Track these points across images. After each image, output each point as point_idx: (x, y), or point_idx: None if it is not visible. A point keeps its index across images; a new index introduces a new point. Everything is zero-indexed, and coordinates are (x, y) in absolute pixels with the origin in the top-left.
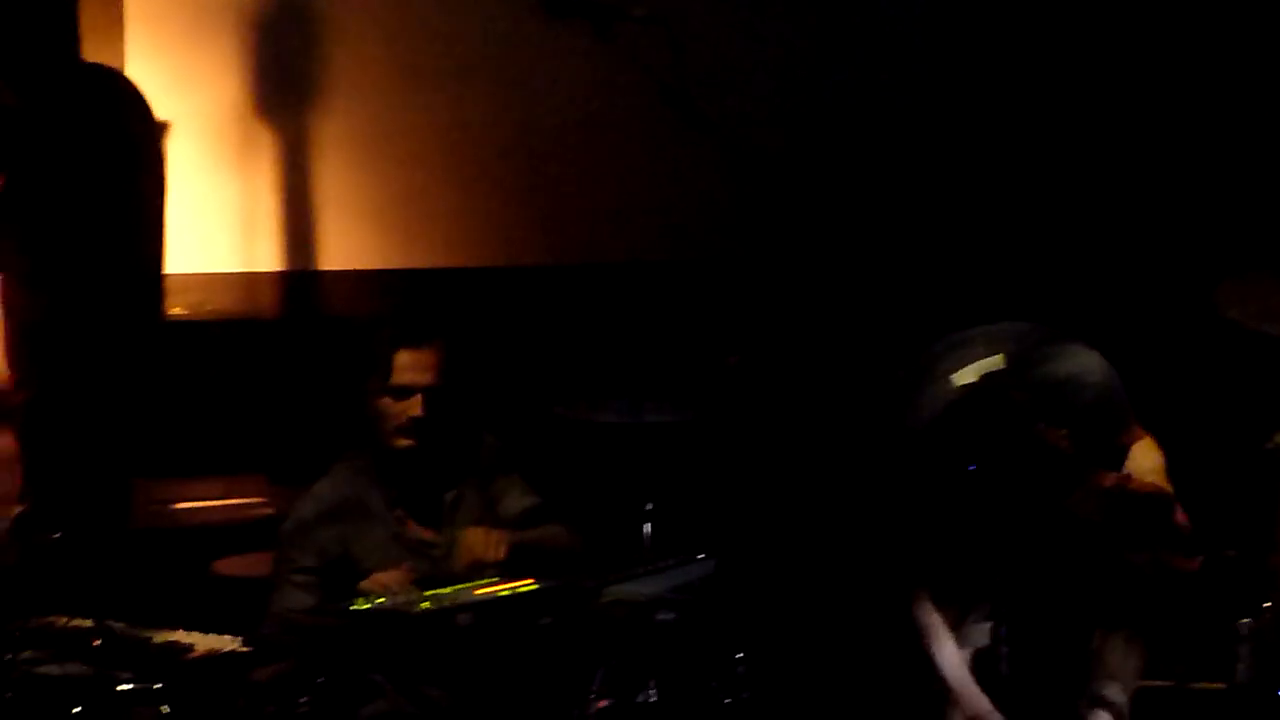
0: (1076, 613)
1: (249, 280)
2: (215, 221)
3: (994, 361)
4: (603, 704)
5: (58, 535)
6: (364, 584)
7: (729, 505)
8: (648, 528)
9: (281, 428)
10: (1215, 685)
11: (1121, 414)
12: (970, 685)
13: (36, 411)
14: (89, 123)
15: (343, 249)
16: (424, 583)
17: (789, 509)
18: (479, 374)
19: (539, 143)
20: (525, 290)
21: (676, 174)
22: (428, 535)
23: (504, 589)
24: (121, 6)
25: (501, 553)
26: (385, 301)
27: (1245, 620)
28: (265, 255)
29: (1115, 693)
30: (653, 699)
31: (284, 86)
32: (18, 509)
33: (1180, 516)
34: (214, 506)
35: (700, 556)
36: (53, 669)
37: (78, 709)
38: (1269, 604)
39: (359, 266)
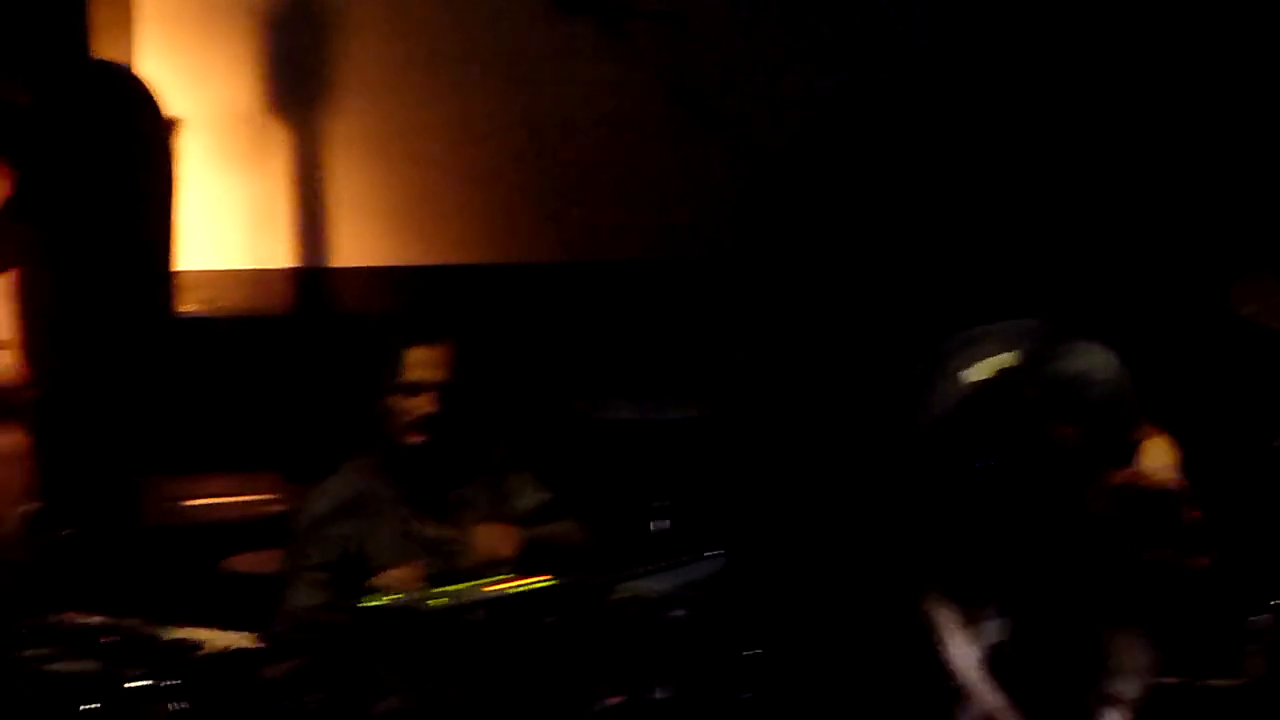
0: (1087, 610)
1: (260, 277)
2: (226, 218)
3: (1006, 358)
4: (614, 701)
5: (69, 532)
6: (375, 581)
7: (740, 502)
8: (659, 524)
9: (293, 424)
10: (1226, 682)
11: (1133, 411)
12: (981, 682)
13: (48, 408)
14: (100, 120)
15: (354, 246)
16: (435, 579)
17: (800, 506)
18: (490, 371)
19: (551, 140)
20: (537, 287)
21: (688, 171)
22: (439, 532)
23: (515, 586)
24: (131, 4)
25: (513, 549)
26: (397, 298)
27: (1256, 617)
28: (277, 252)
29: (1127, 689)
30: (664, 696)
31: (295, 83)
32: (29, 506)
33: (1191, 514)
34: (225, 503)
35: (712, 553)
36: (64, 666)
37: (89, 706)
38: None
39: (370, 263)
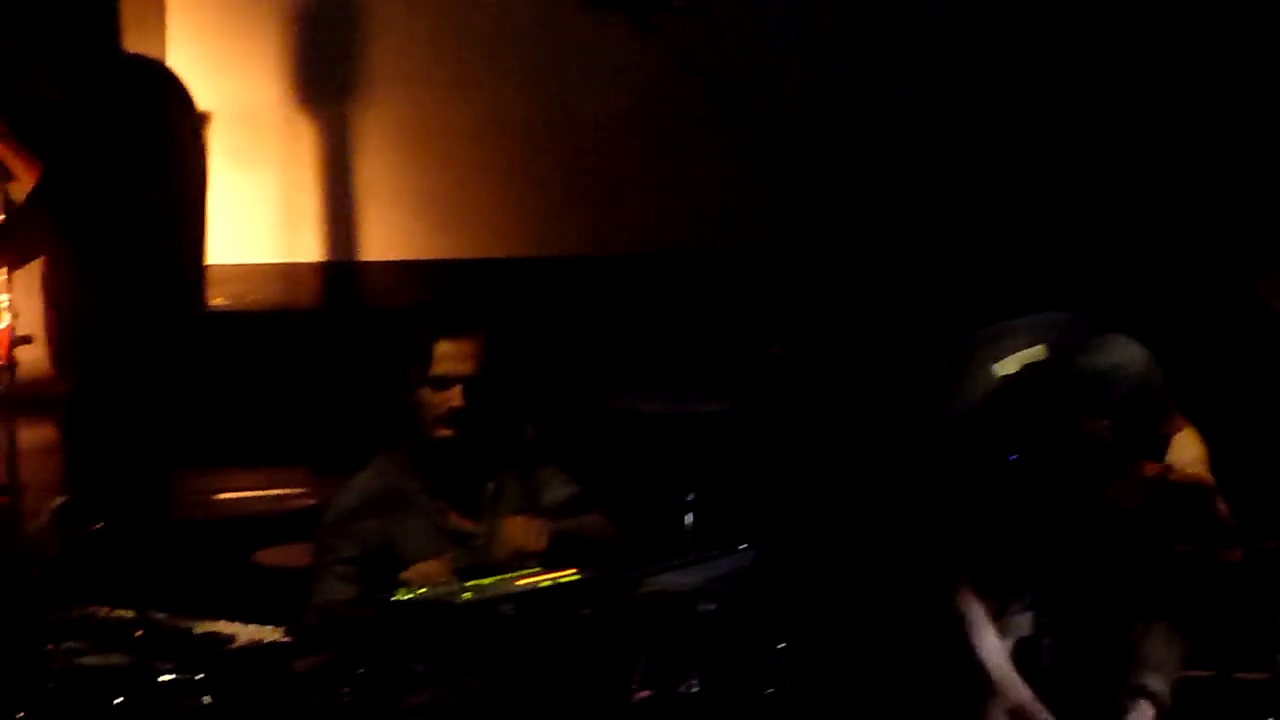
0: (1118, 603)
1: (290, 271)
2: (257, 212)
3: (1036, 352)
4: (644, 694)
5: (99, 526)
6: (405, 574)
7: (770, 495)
8: (689, 518)
9: (323, 418)
10: (1257, 675)
11: (1163, 405)
12: (1011, 676)
13: (78, 402)
14: (130, 114)
15: (383, 239)
16: (465, 573)
17: (830, 499)
18: (519, 364)
19: (579, 133)
20: (565, 281)
21: (717, 164)
22: (468, 525)
23: (545, 579)
24: None
25: (542, 543)
26: (426, 292)
27: None
28: (306, 246)
29: (1157, 683)
30: (694, 690)
31: (325, 77)
32: (59, 499)
33: (1221, 507)
34: (255, 497)
35: (742, 547)
36: (94, 659)
37: (119, 699)
38: None
39: (400, 257)
